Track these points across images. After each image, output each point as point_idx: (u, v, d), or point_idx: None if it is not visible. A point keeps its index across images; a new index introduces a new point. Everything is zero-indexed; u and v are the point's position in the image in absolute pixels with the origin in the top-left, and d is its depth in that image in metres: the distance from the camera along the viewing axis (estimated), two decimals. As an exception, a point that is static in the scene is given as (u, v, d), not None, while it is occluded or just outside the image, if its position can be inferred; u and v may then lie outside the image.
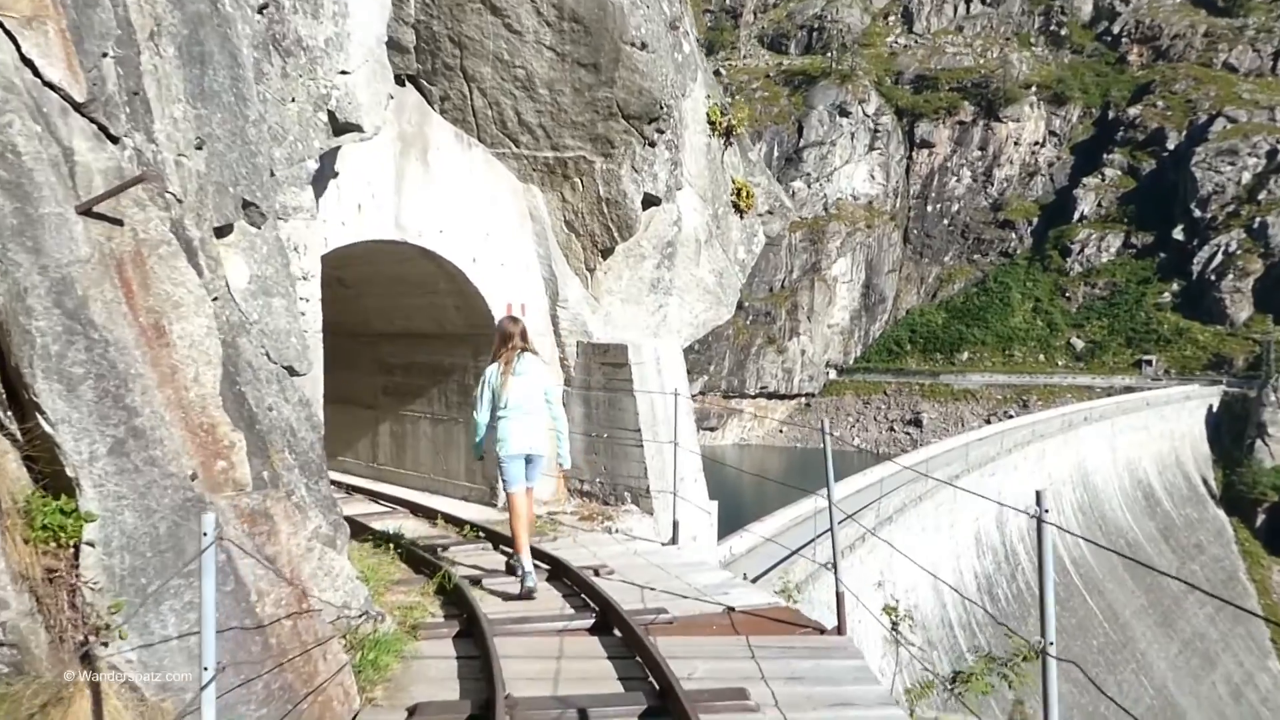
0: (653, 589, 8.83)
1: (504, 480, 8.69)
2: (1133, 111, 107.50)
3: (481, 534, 10.73)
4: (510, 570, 9.06)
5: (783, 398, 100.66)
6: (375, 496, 12.95)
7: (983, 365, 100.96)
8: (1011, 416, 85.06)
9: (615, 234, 12.64)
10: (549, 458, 9.14)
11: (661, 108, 12.15)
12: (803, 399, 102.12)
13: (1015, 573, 56.75)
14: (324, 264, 14.05)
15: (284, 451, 7.19)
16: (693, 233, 13.73)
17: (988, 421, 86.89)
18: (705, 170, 13.85)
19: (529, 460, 8.68)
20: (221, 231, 7.26)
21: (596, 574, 9.24)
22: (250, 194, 7.54)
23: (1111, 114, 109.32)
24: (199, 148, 6.95)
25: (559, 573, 9.11)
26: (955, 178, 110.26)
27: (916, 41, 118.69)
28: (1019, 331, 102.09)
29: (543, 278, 12.87)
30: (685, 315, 13.99)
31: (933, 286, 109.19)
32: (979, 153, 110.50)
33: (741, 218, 14.41)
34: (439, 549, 10.21)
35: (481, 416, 8.70)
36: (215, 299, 6.63)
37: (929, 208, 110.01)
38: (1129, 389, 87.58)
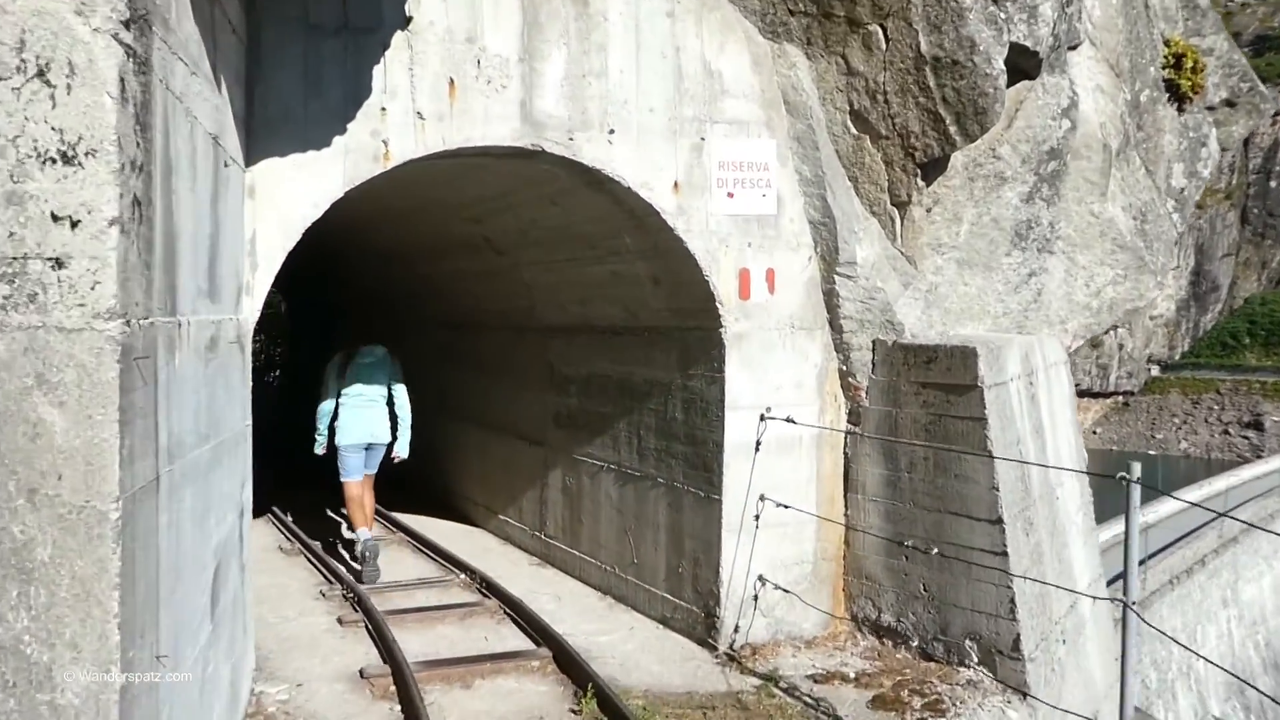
0: None
1: (341, 468, 8.29)
2: None
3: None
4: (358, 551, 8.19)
5: (1097, 396, 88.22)
6: (514, 612, 7.09)
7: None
8: (1380, 422, 69.85)
9: (951, 130, 6.17)
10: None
11: None
12: (1120, 397, 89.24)
13: None
14: (454, 213, 8.40)
15: None
16: (1094, 132, 7.00)
17: (1349, 427, 71.93)
18: (1117, 17, 7.07)
19: (368, 449, 8.35)
20: None
21: None
22: None
23: None
24: None
25: None
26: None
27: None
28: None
29: (808, 220, 6.60)
30: (1076, 291, 7.28)
31: (1276, 272, 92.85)
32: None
33: (1180, 110, 7.50)
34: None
35: (326, 407, 8.35)
36: None
37: (1272, 184, 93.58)
38: None
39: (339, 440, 8.24)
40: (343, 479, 8.31)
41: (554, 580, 8.21)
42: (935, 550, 6.17)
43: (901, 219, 6.59)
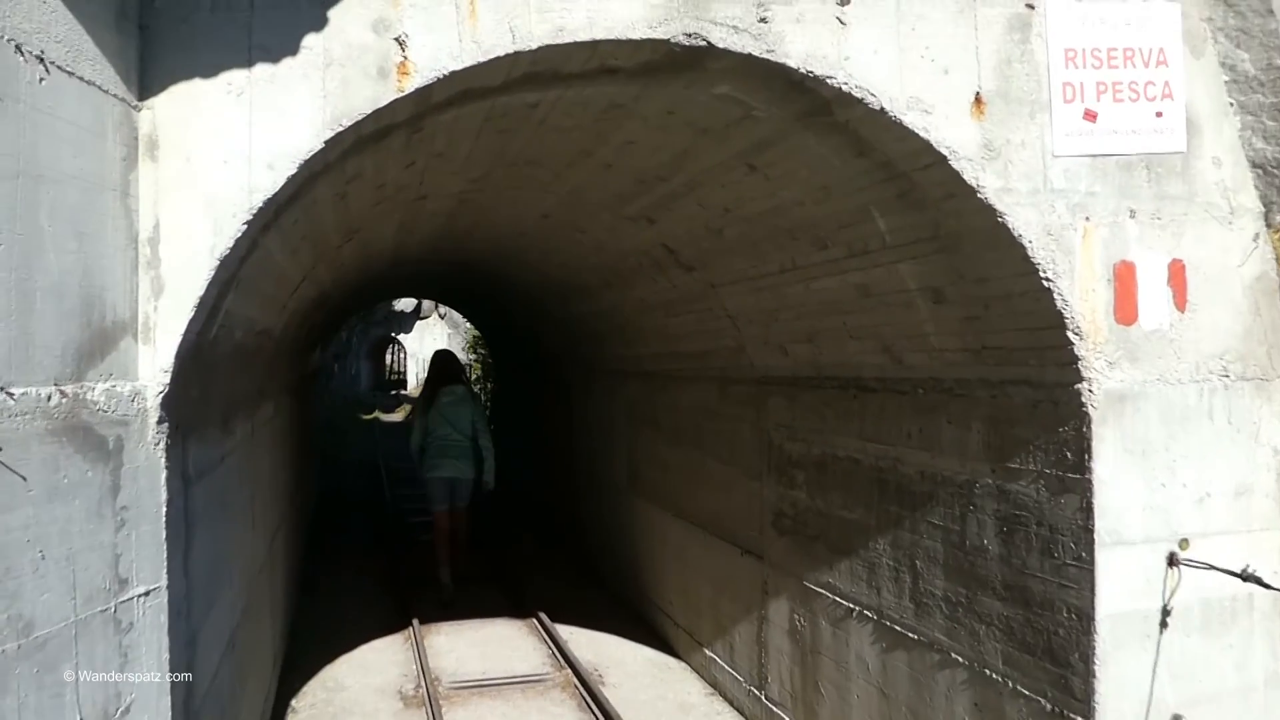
0: None
1: (429, 498, 8.93)
2: None
3: None
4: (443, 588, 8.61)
5: None
6: None
7: None
8: None
9: None
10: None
11: None
12: None
13: None
14: (614, 210, 5.39)
15: None
16: None
17: None
18: None
19: (454, 484, 8.81)
20: None
21: None
22: None
23: None
24: None
25: None
26: None
27: None
28: None
29: (1250, 161, 3.31)
30: None
31: None
32: None
33: None
34: None
35: (416, 442, 8.95)
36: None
37: None
38: None
39: (426, 474, 8.84)
40: (432, 508, 8.93)
41: (776, 783, 5.11)
42: None
43: None
